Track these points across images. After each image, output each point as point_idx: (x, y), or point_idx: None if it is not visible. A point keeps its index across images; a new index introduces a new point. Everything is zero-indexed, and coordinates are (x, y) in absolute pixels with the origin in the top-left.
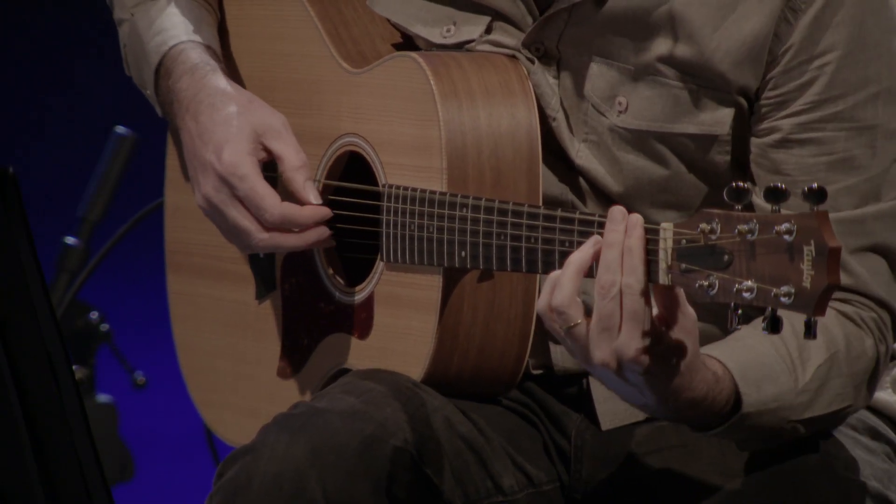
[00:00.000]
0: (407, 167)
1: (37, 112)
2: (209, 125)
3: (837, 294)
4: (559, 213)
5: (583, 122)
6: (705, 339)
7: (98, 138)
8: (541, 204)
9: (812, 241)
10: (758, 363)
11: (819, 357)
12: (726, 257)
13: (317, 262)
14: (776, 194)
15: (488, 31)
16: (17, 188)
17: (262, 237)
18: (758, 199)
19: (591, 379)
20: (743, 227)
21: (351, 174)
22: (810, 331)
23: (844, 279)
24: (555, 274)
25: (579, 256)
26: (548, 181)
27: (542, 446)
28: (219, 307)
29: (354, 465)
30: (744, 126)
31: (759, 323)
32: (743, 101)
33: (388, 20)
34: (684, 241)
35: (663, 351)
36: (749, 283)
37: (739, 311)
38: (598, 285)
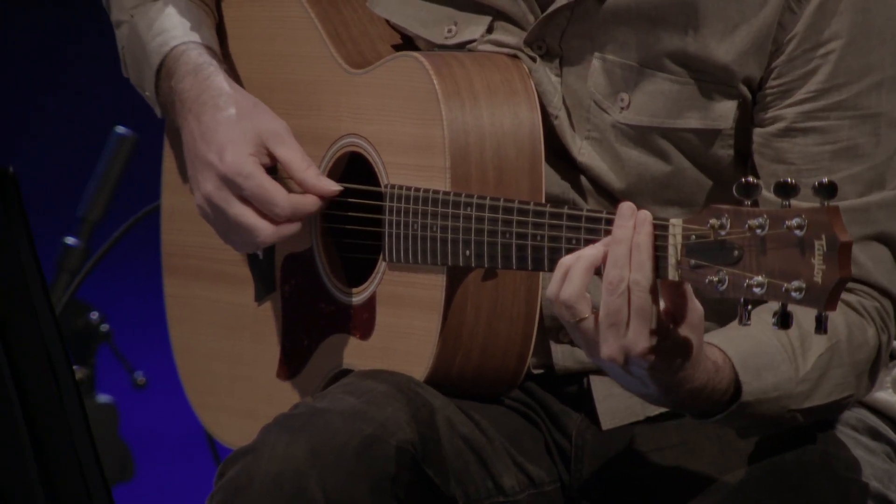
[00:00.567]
0: (409, 167)
1: (37, 112)
2: (212, 125)
3: None
4: (566, 210)
5: (585, 120)
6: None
7: (98, 138)
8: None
9: (823, 236)
10: (758, 352)
11: (820, 346)
12: (736, 252)
13: (317, 262)
14: (786, 189)
15: (489, 30)
16: (17, 188)
17: (267, 233)
18: (766, 192)
19: (591, 378)
20: (753, 222)
21: (352, 175)
22: (821, 325)
23: None
24: (567, 260)
25: (592, 252)
26: (549, 180)
27: (543, 446)
28: (216, 309)
29: (355, 465)
30: (747, 119)
31: (759, 312)
32: (747, 91)
33: (388, 21)
34: (694, 236)
35: (670, 346)
36: (759, 278)
37: (749, 307)
38: (607, 281)
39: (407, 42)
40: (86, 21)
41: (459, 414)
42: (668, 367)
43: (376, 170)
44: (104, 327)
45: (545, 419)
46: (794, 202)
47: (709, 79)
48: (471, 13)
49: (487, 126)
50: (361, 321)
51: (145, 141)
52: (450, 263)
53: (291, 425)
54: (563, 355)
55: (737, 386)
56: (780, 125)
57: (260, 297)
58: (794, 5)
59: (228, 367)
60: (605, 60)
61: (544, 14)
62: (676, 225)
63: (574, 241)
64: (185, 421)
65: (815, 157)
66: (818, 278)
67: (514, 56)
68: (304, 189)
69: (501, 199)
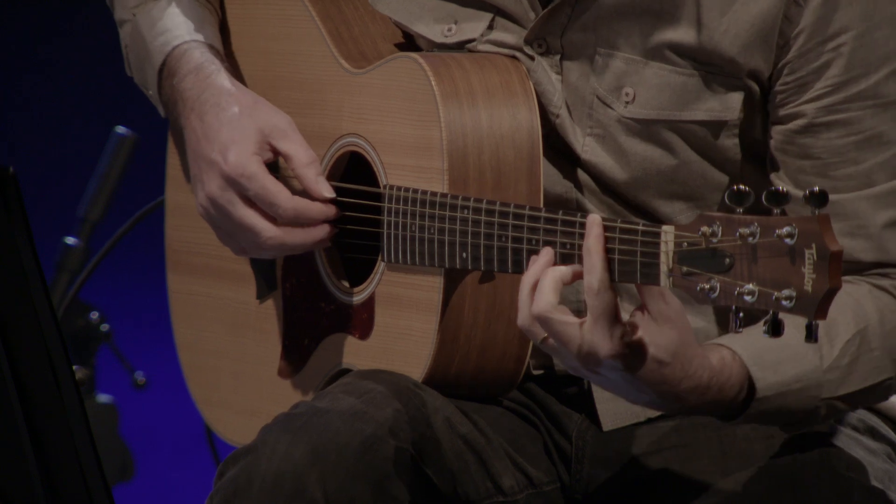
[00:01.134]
0: (408, 168)
1: (37, 112)
2: (215, 125)
3: (873, 270)
4: (560, 215)
5: (587, 116)
6: (703, 339)
7: (98, 138)
8: (542, 205)
9: (814, 245)
10: (777, 345)
11: (847, 333)
12: (727, 260)
13: (318, 262)
14: (777, 197)
15: (490, 28)
16: (17, 188)
17: (270, 234)
18: (793, 190)
19: None
20: (744, 231)
21: (352, 174)
22: (812, 334)
23: (880, 255)
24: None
25: (534, 271)
26: (551, 179)
27: (542, 447)
28: (219, 306)
29: (355, 465)
30: (753, 110)
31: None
32: (754, 85)
33: (390, 19)
34: (685, 244)
35: (639, 343)
36: (750, 286)
37: (741, 314)
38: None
39: (408, 40)
40: (87, 21)
41: (459, 414)
42: (646, 365)
43: (375, 170)
44: (104, 327)
45: (545, 420)
46: (787, 211)
47: (714, 70)
48: (471, 10)
49: (486, 128)
50: (361, 321)
51: (145, 141)
52: (447, 265)
53: (291, 425)
54: None
55: (751, 382)
56: (801, 122)
57: (262, 295)
58: None
59: (232, 365)
60: (608, 55)
61: (546, 9)
62: (668, 232)
63: (569, 246)
64: (185, 421)
65: (841, 149)
66: (808, 287)
67: (514, 57)
68: (302, 186)
69: (497, 203)
